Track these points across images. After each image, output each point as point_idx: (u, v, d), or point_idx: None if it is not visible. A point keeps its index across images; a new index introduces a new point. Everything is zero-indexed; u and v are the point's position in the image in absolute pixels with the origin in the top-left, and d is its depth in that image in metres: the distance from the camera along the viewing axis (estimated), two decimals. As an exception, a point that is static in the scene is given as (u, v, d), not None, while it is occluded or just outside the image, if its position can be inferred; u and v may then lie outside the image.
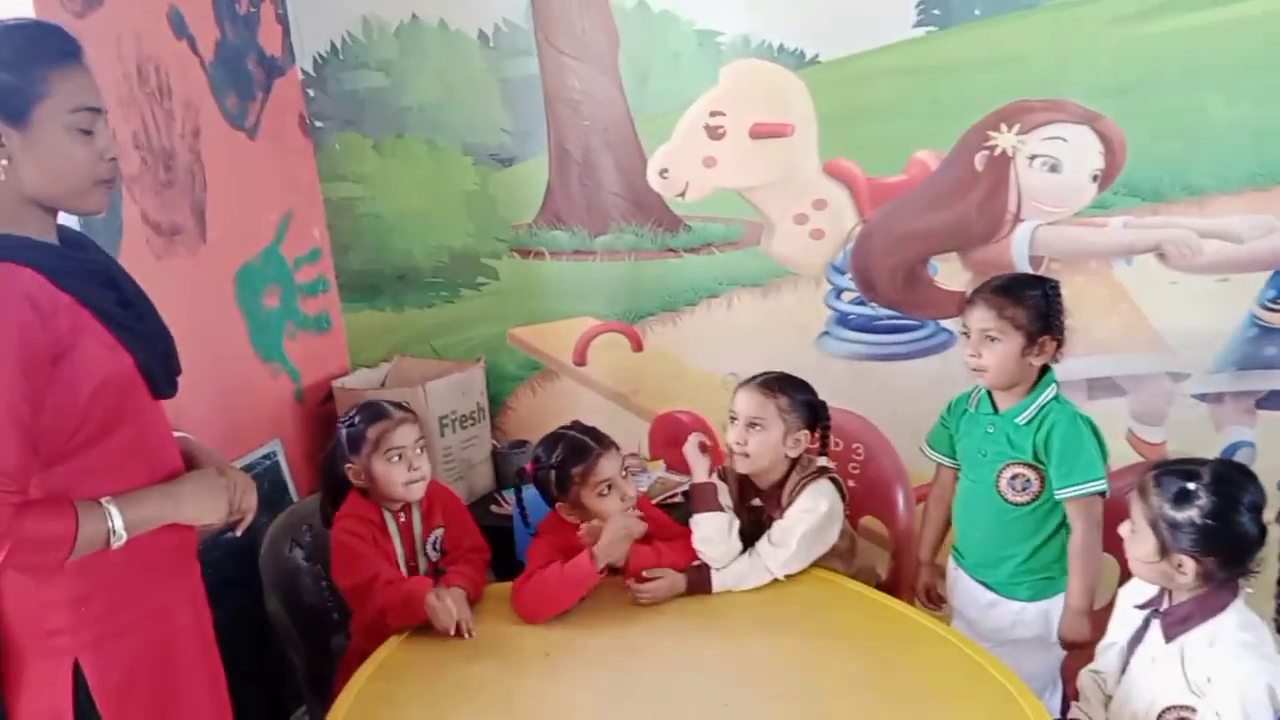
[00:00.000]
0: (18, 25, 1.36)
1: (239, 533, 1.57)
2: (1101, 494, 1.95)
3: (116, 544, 1.34)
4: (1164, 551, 1.55)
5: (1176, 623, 1.58)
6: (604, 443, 2.03)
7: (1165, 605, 1.62)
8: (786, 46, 2.62)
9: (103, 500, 1.34)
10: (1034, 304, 1.95)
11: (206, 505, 1.47)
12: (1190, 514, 1.52)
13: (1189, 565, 1.53)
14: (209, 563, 1.60)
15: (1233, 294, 2.42)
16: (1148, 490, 1.58)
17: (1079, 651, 1.94)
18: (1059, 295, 1.99)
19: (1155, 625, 1.63)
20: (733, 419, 2.08)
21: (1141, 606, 1.66)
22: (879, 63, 2.56)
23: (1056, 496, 1.96)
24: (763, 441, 2.05)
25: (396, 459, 2.02)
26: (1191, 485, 1.53)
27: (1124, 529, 1.65)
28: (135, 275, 1.53)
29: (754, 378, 2.12)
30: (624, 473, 2.02)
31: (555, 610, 1.91)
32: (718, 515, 2.02)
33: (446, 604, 1.84)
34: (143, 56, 2.42)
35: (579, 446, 2.01)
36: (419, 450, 2.06)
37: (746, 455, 2.05)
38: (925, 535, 2.26)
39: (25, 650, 1.37)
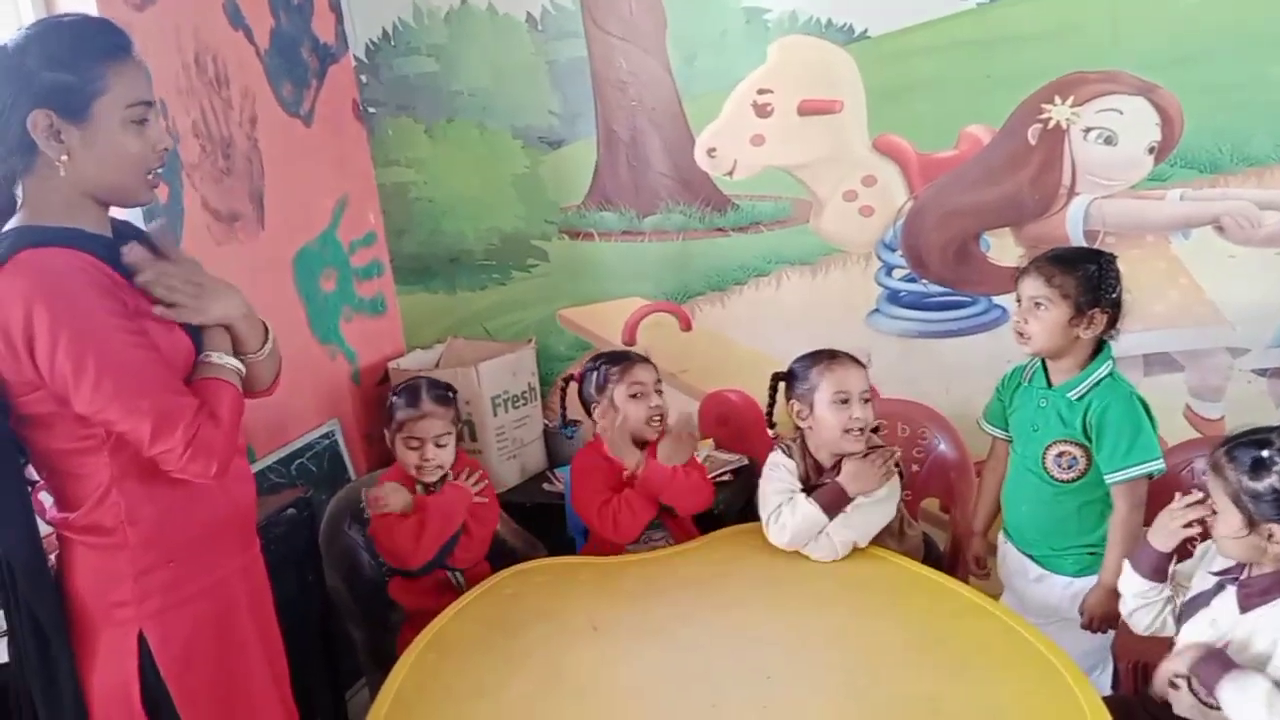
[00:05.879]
0: (71, 21, 1.40)
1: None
2: (1151, 475, 1.93)
3: (263, 355, 1.56)
4: (1251, 524, 1.52)
5: (1255, 594, 1.55)
6: (640, 355, 2.34)
7: (1245, 575, 1.58)
8: (835, 22, 2.60)
9: (207, 357, 1.44)
10: (1085, 275, 1.93)
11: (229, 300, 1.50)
12: (1270, 481, 1.49)
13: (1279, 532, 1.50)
14: (271, 539, 1.66)
15: (1293, 267, 2.37)
16: (1222, 466, 1.55)
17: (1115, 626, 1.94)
18: (1114, 269, 1.97)
19: (1228, 593, 1.59)
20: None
21: (1218, 573, 1.63)
22: (929, 36, 2.54)
23: (1106, 480, 1.94)
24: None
25: (415, 446, 2.17)
26: (1265, 453, 1.50)
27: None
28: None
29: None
30: (658, 389, 2.30)
31: (645, 519, 2.19)
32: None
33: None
34: (200, 47, 2.48)
35: (619, 354, 2.37)
36: (439, 444, 2.18)
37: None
38: (979, 507, 2.26)
39: (95, 622, 1.42)
